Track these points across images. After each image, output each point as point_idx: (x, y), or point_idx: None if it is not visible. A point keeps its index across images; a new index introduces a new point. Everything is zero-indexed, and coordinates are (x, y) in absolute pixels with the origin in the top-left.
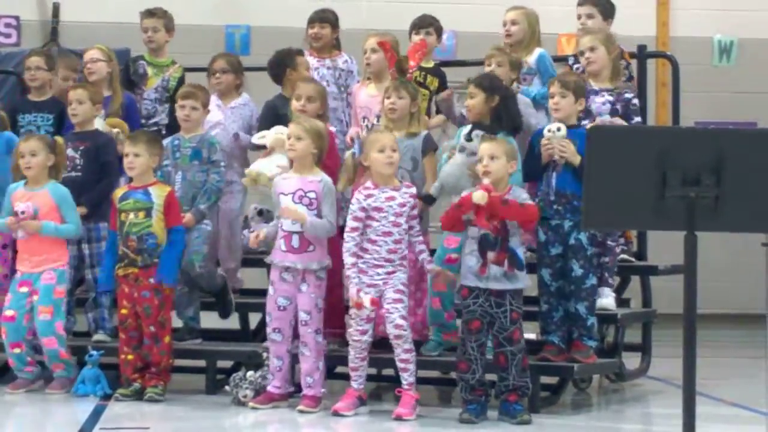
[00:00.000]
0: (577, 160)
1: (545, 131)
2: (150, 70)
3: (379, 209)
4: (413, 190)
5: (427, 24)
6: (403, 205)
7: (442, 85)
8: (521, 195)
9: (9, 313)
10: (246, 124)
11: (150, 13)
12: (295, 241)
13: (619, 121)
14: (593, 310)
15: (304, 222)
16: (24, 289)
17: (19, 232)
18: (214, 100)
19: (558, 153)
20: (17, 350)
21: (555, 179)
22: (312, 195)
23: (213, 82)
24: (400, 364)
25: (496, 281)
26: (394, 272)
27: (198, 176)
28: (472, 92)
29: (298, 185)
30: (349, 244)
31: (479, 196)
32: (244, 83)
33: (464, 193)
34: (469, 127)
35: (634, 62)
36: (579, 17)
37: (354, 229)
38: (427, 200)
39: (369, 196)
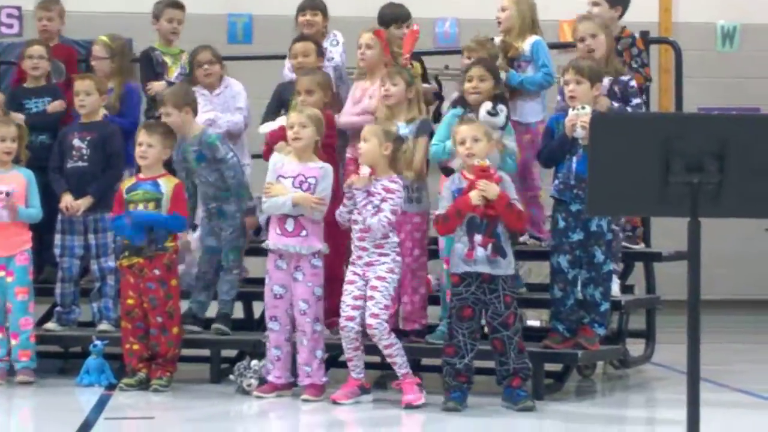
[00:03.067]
0: None
1: (570, 111)
2: (168, 59)
3: (351, 198)
4: (394, 185)
5: (404, 18)
6: (371, 194)
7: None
8: (513, 194)
9: None
10: (227, 105)
11: (177, 5)
12: (290, 224)
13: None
14: (607, 296)
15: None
16: (1, 273)
17: (2, 212)
18: (198, 90)
19: (581, 125)
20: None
21: (575, 163)
22: (312, 180)
23: (201, 74)
24: (387, 359)
25: (482, 265)
26: (372, 264)
27: (212, 175)
28: (483, 75)
29: (299, 170)
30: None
31: (477, 198)
32: (226, 71)
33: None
34: (488, 103)
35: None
36: (588, 4)
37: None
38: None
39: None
